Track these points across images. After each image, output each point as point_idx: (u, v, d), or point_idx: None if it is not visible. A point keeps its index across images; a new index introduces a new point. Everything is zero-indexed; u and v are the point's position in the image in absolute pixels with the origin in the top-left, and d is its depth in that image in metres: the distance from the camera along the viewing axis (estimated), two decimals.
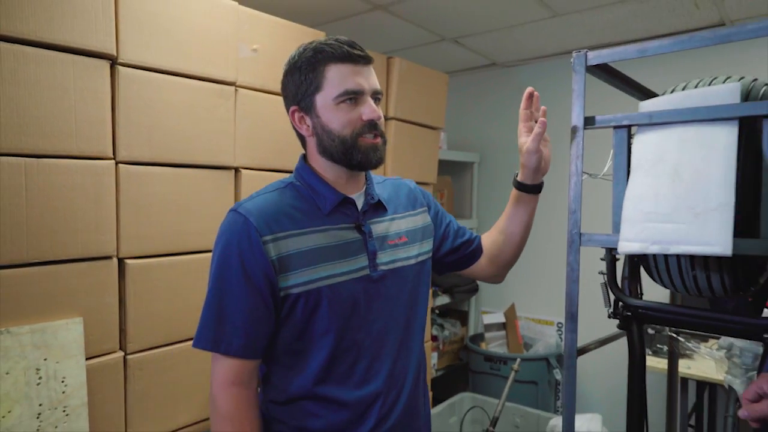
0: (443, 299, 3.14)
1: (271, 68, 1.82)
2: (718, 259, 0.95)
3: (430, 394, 2.67)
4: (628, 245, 0.92)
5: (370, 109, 1.01)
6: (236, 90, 1.72)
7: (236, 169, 1.74)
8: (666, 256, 1.00)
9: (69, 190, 1.35)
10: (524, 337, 3.21)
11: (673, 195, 0.89)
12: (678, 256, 0.99)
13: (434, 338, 3.08)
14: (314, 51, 1.01)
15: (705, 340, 2.23)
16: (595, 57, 1.04)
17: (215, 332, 0.98)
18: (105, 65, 1.41)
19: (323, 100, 1.01)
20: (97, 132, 1.40)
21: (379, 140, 1.03)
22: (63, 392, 1.34)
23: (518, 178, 1.20)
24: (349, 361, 1.04)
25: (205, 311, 1.01)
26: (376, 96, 1.04)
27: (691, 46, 0.94)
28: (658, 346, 2.11)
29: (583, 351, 1.20)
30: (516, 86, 3.37)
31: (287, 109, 1.09)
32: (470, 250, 1.26)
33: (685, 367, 2.10)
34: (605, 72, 1.16)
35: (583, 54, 1.06)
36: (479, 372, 3.00)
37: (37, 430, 1.29)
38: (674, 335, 1.68)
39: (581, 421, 2.32)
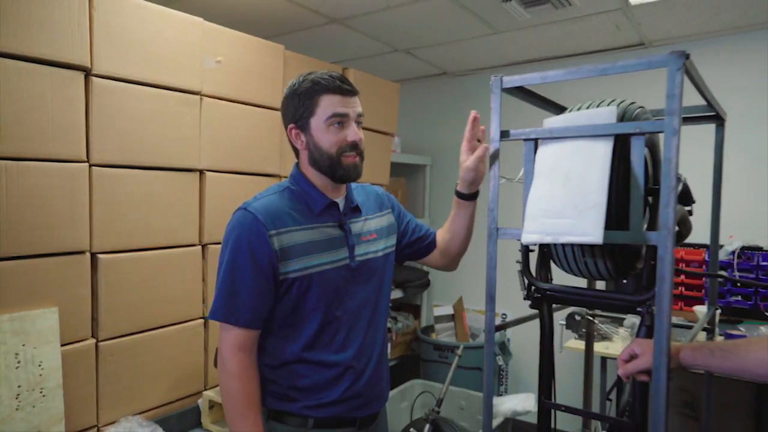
0: (397, 294, 3.35)
1: (233, 78, 1.98)
2: (602, 248, 1.18)
3: None
4: (529, 236, 1.14)
5: (353, 132, 1.24)
6: (201, 99, 1.87)
7: (201, 171, 1.89)
8: (564, 246, 1.23)
9: (46, 190, 1.48)
10: (471, 328, 3.45)
11: (564, 196, 1.11)
12: (573, 246, 1.21)
13: (388, 330, 3.28)
14: (312, 83, 1.23)
15: (620, 324, 2.52)
16: (508, 81, 1.26)
17: (228, 307, 1.19)
18: (80, 76, 1.54)
19: (316, 122, 1.23)
20: (72, 137, 1.53)
21: (358, 159, 1.26)
22: (40, 375, 1.46)
23: (458, 188, 1.41)
24: (332, 332, 1.27)
25: (220, 291, 1.20)
26: (358, 119, 1.27)
27: (579, 76, 1.16)
28: (583, 330, 2.38)
29: (500, 327, 1.41)
30: (464, 94, 3.62)
31: (285, 126, 1.30)
32: (425, 244, 1.50)
33: (604, 347, 2.38)
34: (521, 92, 1.38)
35: (499, 78, 1.27)
36: (429, 360, 3.22)
37: (17, 409, 1.41)
38: (590, 318, 1.94)
39: (516, 399, 2.56)
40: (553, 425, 1.41)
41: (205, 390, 1.90)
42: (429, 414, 2.47)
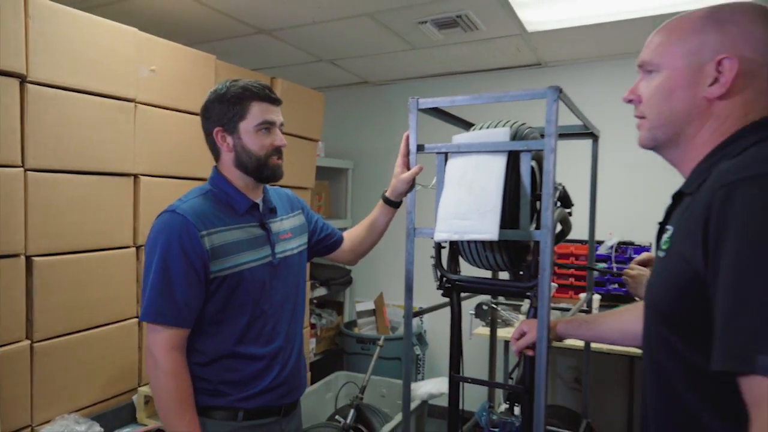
0: (321, 291, 3.52)
1: (167, 86, 2.06)
2: (499, 244, 1.43)
3: (309, 375, 3.03)
4: (440, 234, 1.37)
5: (279, 138, 1.38)
6: (136, 106, 1.94)
7: (135, 176, 1.96)
8: (468, 243, 1.47)
9: None
10: (391, 321, 3.69)
11: (468, 201, 1.35)
12: (476, 243, 1.46)
13: (312, 326, 3.44)
14: (243, 89, 1.33)
15: (519, 310, 2.86)
16: (423, 103, 1.49)
17: (162, 308, 1.22)
18: (15, 83, 1.58)
19: (246, 126, 1.33)
20: (7, 142, 1.56)
21: (281, 161, 1.40)
22: None
23: (387, 194, 1.61)
24: (259, 326, 1.35)
25: (153, 292, 1.23)
26: (281, 127, 1.41)
27: (481, 101, 1.42)
28: (489, 318, 2.69)
29: (418, 313, 1.64)
30: (384, 103, 3.85)
31: (210, 129, 1.36)
32: (332, 242, 1.66)
33: (506, 333, 2.70)
34: (435, 111, 1.61)
35: (416, 100, 1.50)
36: (352, 353, 3.42)
37: None
38: (494, 306, 2.23)
39: (432, 383, 2.82)
40: (462, 400, 1.66)
41: (140, 386, 1.97)
42: (353, 401, 2.67)
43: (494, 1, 2.23)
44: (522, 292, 1.47)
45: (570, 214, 1.74)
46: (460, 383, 1.65)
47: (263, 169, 1.35)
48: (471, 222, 1.33)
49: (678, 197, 0.81)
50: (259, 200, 1.42)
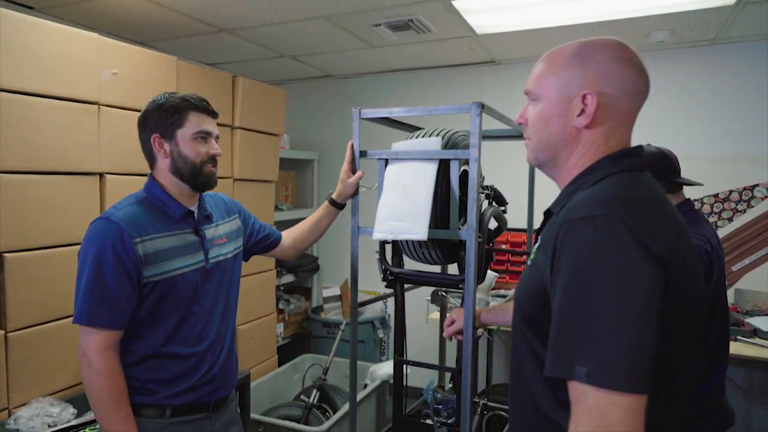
0: (288, 278, 3.67)
1: (129, 89, 2.16)
2: (434, 242, 1.60)
3: (276, 357, 3.20)
4: (377, 234, 1.53)
5: (214, 147, 1.44)
6: (99, 108, 2.04)
7: (101, 174, 2.07)
8: (408, 241, 1.63)
9: None
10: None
11: (402, 204, 1.51)
12: (413, 241, 1.62)
13: (280, 311, 3.60)
14: (181, 99, 1.40)
15: None
16: (364, 113, 1.63)
17: (95, 311, 1.27)
18: None
19: (183, 134, 1.39)
20: None
21: (215, 169, 1.45)
22: None
23: (333, 197, 1.76)
24: (189, 327, 1.40)
25: (85, 296, 1.27)
26: (216, 139, 1.48)
27: (415, 114, 1.56)
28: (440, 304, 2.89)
29: (363, 303, 1.81)
30: (348, 96, 3.97)
31: (147, 136, 1.41)
32: (269, 242, 1.76)
33: None
34: (379, 118, 1.75)
35: (358, 110, 1.64)
36: (319, 337, 3.59)
37: None
38: (444, 294, 2.41)
39: (392, 365, 3.01)
40: (405, 379, 1.84)
41: None
42: (316, 382, 2.84)
43: (442, 8, 2.37)
44: (455, 284, 1.65)
45: (504, 211, 1.91)
46: (404, 365, 1.83)
47: (198, 176, 1.40)
48: (404, 223, 1.50)
49: (548, 214, 0.97)
50: (194, 207, 1.47)
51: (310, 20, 2.57)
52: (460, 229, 1.54)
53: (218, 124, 2.50)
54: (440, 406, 1.96)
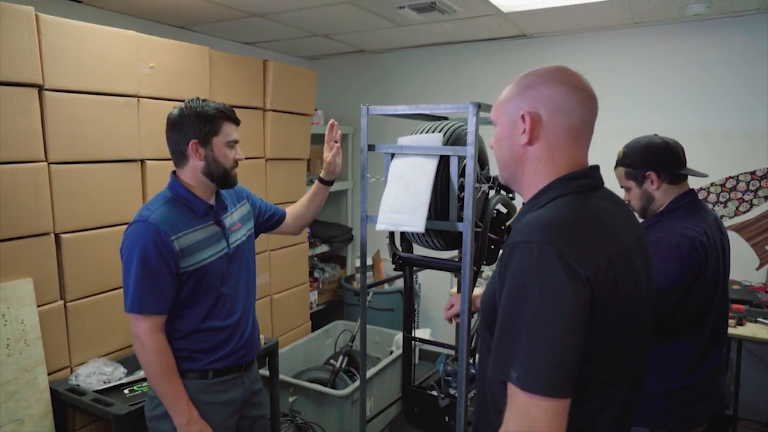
0: (323, 248, 3.87)
1: (166, 80, 2.33)
2: (434, 231, 1.70)
3: (310, 323, 3.42)
4: (380, 225, 1.64)
5: (239, 153, 1.64)
6: (138, 100, 2.23)
7: (142, 161, 2.28)
8: None
9: (14, 187, 1.85)
10: (386, 275, 4.03)
11: (403, 197, 1.61)
12: None
13: (315, 279, 3.82)
14: (216, 110, 1.57)
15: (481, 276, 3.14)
16: (372, 110, 1.72)
17: (144, 301, 1.49)
18: (34, 92, 1.88)
19: (218, 141, 1.58)
20: (31, 142, 1.88)
21: (236, 171, 1.66)
22: (23, 330, 1.89)
23: (321, 176, 1.92)
24: (221, 305, 1.64)
25: (135, 289, 1.48)
26: (237, 144, 1.66)
27: (418, 111, 1.65)
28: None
29: (371, 285, 1.95)
30: (382, 69, 4.03)
31: (183, 139, 1.57)
32: (275, 220, 1.94)
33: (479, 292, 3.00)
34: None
35: (366, 107, 1.73)
36: (351, 304, 3.80)
37: (8, 355, 1.84)
38: None
39: (417, 332, 3.17)
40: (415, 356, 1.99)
41: None
42: (344, 348, 3.05)
43: None
44: (458, 269, 1.76)
45: (512, 198, 1.98)
46: (412, 341, 1.98)
47: (227, 178, 1.62)
48: (404, 216, 1.61)
49: (509, 228, 1.06)
50: (213, 201, 1.66)
51: (335, 5, 2.64)
52: (460, 220, 1.63)
53: (250, 108, 2.71)
54: (450, 378, 2.11)
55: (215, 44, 3.20)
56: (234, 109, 1.66)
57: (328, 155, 1.85)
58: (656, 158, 1.70)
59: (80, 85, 2.01)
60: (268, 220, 1.92)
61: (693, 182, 1.91)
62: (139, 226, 1.51)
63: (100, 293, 2.16)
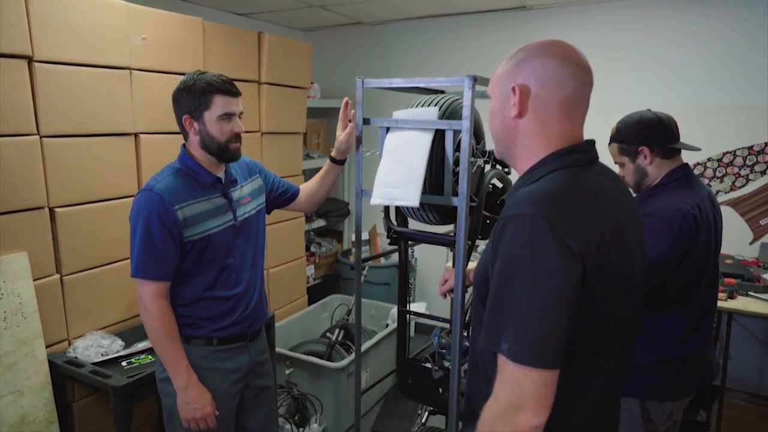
0: (319, 222, 3.87)
1: (158, 52, 2.29)
2: (429, 205, 1.70)
3: (306, 297, 3.45)
4: (375, 199, 1.64)
5: (238, 126, 1.62)
6: (131, 72, 2.19)
7: (136, 135, 2.26)
8: None
9: (7, 160, 1.83)
10: (383, 249, 4.05)
11: (398, 172, 1.61)
12: None
13: (312, 254, 3.83)
14: (207, 83, 1.55)
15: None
16: (366, 83, 1.70)
17: (147, 267, 1.54)
18: (23, 63, 1.85)
19: (210, 116, 1.57)
20: (22, 116, 1.86)
21: (239, 144, 1.64)
22: (20, 303, 1.90)
23: (332, 155, 1.89)
24: (227, 275, 1.68)
25: (139, 254, 1.54)
26: (240, 115, 1.64)
27: (413, 84, 1.63)
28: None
29: (366, 260, 1.96)
30: (379, 42, 3.97)
31: (179, 115, 1.61)
32: (288, 196, 1.95)
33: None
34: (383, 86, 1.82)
35: (361, 80, 1.71)
36: (347, 278, 3.83)
37: (6, 328, 1.86)
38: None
39: (415, 306, 3.21)
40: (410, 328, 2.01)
41: None
42: (340, 321, 3.08)
43: None
44: (451, 243, 1.76)
45: (508, 172, 1.97)
46: (406, 315, 2.00)
47: (223, 152, 1.62)
48: (399, 190, 1.60)
49: (503, 202, 1.06)
50: (221, 174, 1.69)
51: None
52: (455, 194, 1.63)
53: (245, 81, 2.66)
54: (444, 351, 2.14)
55: (209, 15, 3.14)
56: None
57: (341, 134, 1.82)
58: (648, 133, 1.71)
59: (71, 57, 1.98)
60: (280, 196, 1.94)
61: (690, 157, 1.90)
62: (145, 195, 1.56)
63: (96, 267, 2.16)
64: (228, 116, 1.60)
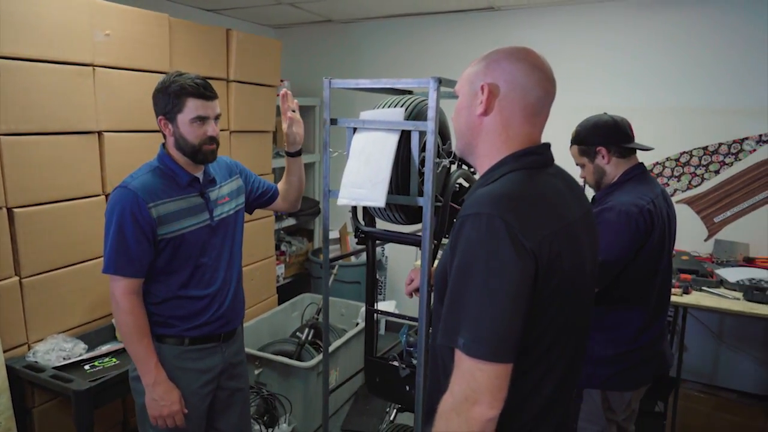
0: (289, 221, 3.86)
1: (123, 48, 2.25)
2: (397, 205, 1.72)
3: (276, 297, 3.43)
4: (341, 200, 1.65)
5: (212, 129, 1.60)
6: (94, 69, 2.15)
7: (99, 133, 2.21)
8: None
9: None
10: (353, 249, 4.06)
11: (364, 172, 1.62)
12: None
13: (282, 253, 3.82)
14: (180, 86, 1.55)
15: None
16: (334, 83, 1.71)
17: (119, 263, 1.53)
18: None
19: (182, 118, 1.57)
20: None
21: (214, 146, 1.62)
22: None
23: (285, 148, 1.90)
24: (200, 274, 1.67)
25: (111, 250, 1.53)
26: (217, 117, 1.63)
27: (380, 86, 1.64)
28: None
29: (334, 259, 1.97)
30: (350, 41, 3.97)
31: (156, 114, 1.60)
32: (268, 197, 1.95)
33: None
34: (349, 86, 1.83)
35: (328, 80, 1.72)
36: (317, 277, 3.82)
37: None
38: None
39: (384, 305, 3.23)
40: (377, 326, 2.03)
41: None
42: (310, 320, 3.08)
43: None
44: (418, 243, 1.79)
45: (473, 172, 2.01)
46: (374, 314, 2.01)
47: (197, 154, 1.61)
48: (365, 190, 1.62)
49: (462, 201, 1.09)
50: (199, 174, 1.68)
51: None
52: (421, 194, 1.66)
53: (213, 78, 2.63)
54: (412, 349, 2.16)
55: (175, 11, 3.10)
56: None
57: (285, 126, 1.84)
58: (605, 134, 1.80)
59: (32, 53, 1.93)
60: (261, 196, 1.94)
61: (650, 156, 1.93)
62: (120, 192, 1.55)
63: (57, 269, 2.12)
64: (201, 119, 1.58)
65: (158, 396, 1.58)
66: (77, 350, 2.04)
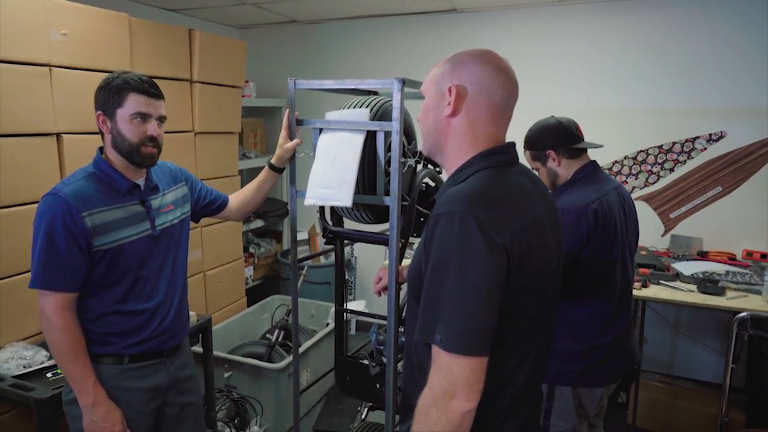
0: (257, 223, 3.83)
1: (82, 48, 2.20)
2: (364, 205, 1.74)
3: (245, 299, 3.41)
4: (308, 200, 1.65)
5: (153, 128, 1.51)
6: (51, 69, 2.09)
7: (58, 135, 2.16)
8: None
9: None
10: (322, 249, 4.05)
11: (330, 172, 1.63)
12: None
13: (250, 255, 3.78)
14: (124, 81, 1.47)
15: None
16: (299, 84, 1.72)
17: (49, 277, 1.41)
18: None
19: (122, 113, 1.47)
20: None
21: (155, 150, 1.53)
22: None
23: (272, 162, 1.85)
24: (140, 287, 1.56)
25: (39, 264, 1.41)
26: (161, 119, 1.54)
27: (345, 86, 1.65)
28: None
29: (302, 259, 1.98)
30: (315, 42, 3.96)
31: (95, 111, 1.53)
32: (216, 205, 1.87)
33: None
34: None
35: (293, 81, 1.72)
36: (287, 279, 3.81)
37: None
38: None
39: (354, 304, 3.24)
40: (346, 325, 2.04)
41: None
42: (279, 322, 3.07)
43: None
44: (385, 242, 1.81)
45: (440, 172, 2.04)
46: (344, 314, 2.03)
47: (134, 155, 1.50)
48: (332, 191, 1.63)
49: (433, 201, 1.12)
50: (141, 180, 1.58)
51: None
52: (387, 194, 1.68)
53: (176, 79, 2.58)
54: (382, 347, 2.18)
55: (136, 10, 3.04)
56: (158, 80, 1.58)
57: (285, 143, 1.77)
58: (552, 137, 1.84)
59: None
60: (207, 206, 1.86)
61: (610, 155, 1.97)
62: (49, 199, 1.44)
63: (14, 275, 2.05)
64: (142, 116, 1.49)
65: (98, 417, 1.48)
66: (38, 358, 1.98)
